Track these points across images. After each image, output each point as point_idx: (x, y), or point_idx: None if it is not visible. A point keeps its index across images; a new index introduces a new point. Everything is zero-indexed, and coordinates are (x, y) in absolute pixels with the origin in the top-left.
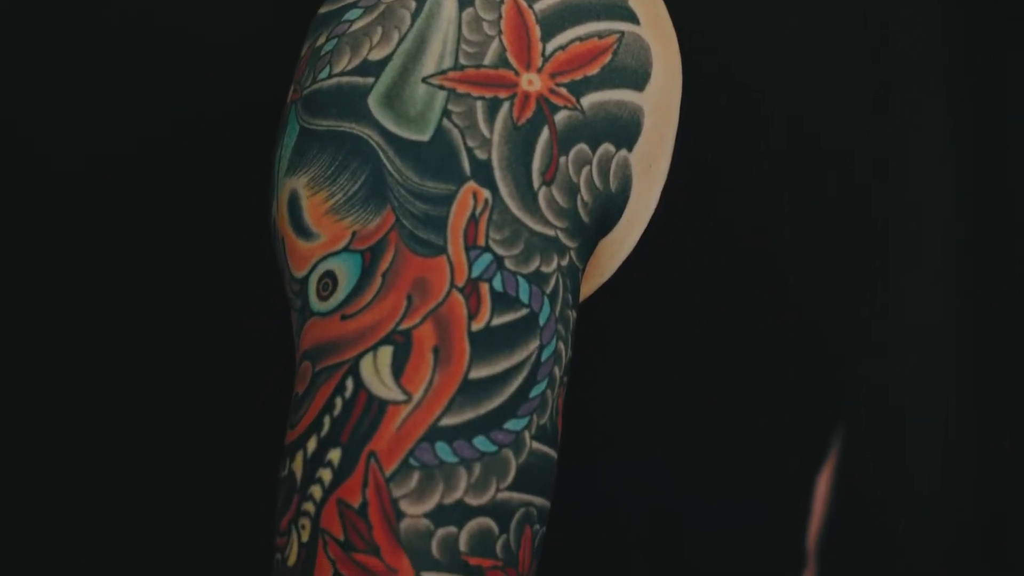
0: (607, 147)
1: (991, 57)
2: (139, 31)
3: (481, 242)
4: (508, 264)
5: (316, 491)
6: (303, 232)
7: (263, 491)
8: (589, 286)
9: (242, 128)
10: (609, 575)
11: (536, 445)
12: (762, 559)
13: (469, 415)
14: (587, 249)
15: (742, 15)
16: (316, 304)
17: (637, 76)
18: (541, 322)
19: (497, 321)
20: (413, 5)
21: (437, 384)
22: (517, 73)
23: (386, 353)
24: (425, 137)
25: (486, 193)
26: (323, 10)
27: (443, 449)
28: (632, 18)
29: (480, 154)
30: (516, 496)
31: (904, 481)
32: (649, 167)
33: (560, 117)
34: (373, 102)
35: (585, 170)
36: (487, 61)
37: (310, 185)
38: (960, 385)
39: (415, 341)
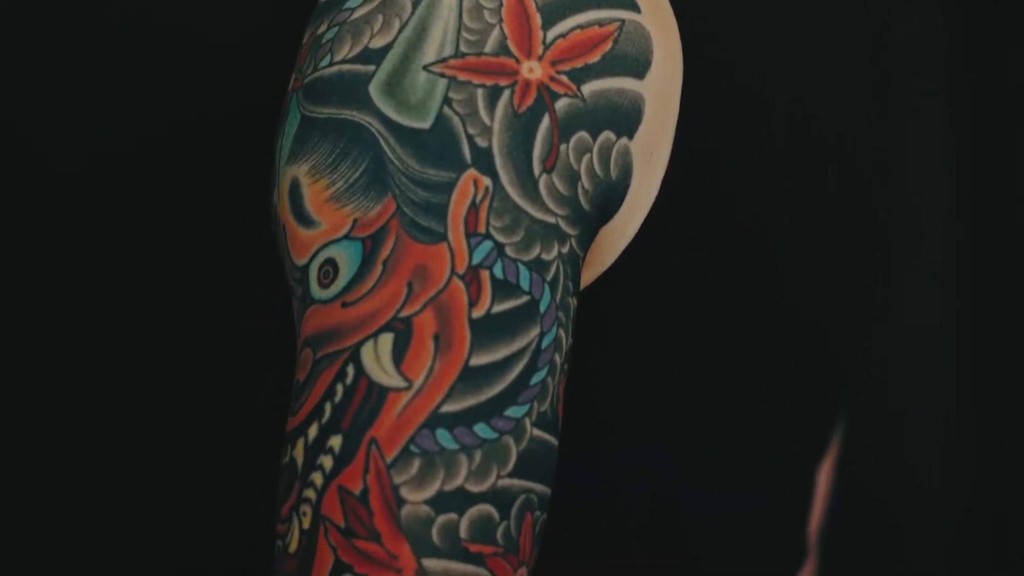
0: (608, 135)
1: (992, 47)
2: (139, 31)
3: (482, 229)
4: (509, 251)
5: (317, 478)
6: (304, 220)
7: (263, 491)
8: (590, 274)
9: (242, 128)
10: (610, 562)
11: (537, 432)
12: (762, 547)
13: (470, 402)
14: (588, 237)
15: (743, 4)
16: (317, 292)
17: (638, 64)
18: (542, 309)
19: (498, 308)
20: None
21: (438, 371)
22: (518, 61)
23: (387, 340)
24: (426, 125)
25: (487, 180)
26: None
27: (444, 436)
28: (633, 6)
29: (481, 142)
30: (517, 483)
31: (904, 471)
32: (650, 155)
33: (561, 105)
34: (374, 90)
35: (586, 158)
36: (488, 49)
37: (311, 173)
38: (961, 374)
39: (416, 328)
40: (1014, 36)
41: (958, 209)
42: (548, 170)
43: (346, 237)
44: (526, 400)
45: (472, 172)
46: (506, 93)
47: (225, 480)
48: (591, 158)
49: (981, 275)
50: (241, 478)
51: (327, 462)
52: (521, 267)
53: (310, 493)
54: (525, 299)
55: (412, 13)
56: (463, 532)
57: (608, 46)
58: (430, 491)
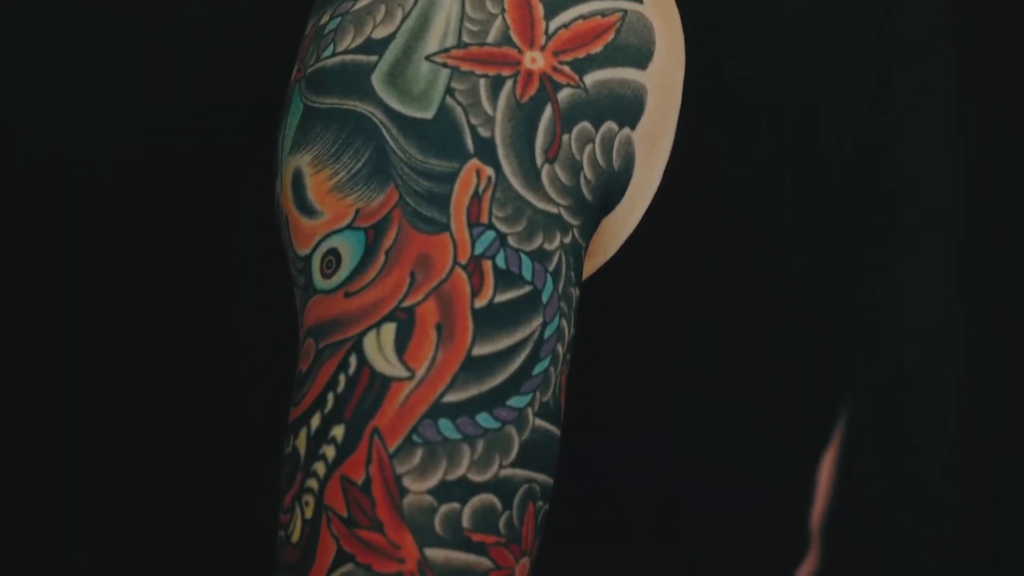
0: (610, 125)
1: (995, 38)
2: (139, 30)
3: (484, 219)
4: (511, 241)
5: (320, 468)
6: (307, 210)
7: (263, 491)
8: (592, 264)
9: (243, 127)
10: (612, 552)
11: (539, 422)
12: (764, 540)
13: (472, 392)
14: (590, 227)
15: None
16: (320, 282)
17: (640, 54)
18: (544, 299)
19: (500, 298)
20: None
21: (440, 361)
22: (520, 51)
23: (389, 330)
24: (428, 115)
25: (489, 171)
26: None
27: (446, 426)
28: None
29: (483, 132)
30: (519, 473)
31: (906, 465)
32: (652, 145)
33: (563, 95)
34: (377, 80)
35: (588, 148)
36: (490, 39)
37: (314, 163)
38: (962, 372)
39: (418, 318)
40: (1016, 28)
41: (961, 204)
42: (550, 160)
43: (349, 227)
44: (528, 390)
45: (474, 162)
46: (508, 83)
47: (225, 480)
48: (593, 148)
49: (984, 271)
50: (241, 478)
51: (330, 452)
52: (523, 257)
53: (312, 483)
54: (527, 289)
55: (415, 3)
56: (465, 522)
57: (610, 36)
58: (432, 481)
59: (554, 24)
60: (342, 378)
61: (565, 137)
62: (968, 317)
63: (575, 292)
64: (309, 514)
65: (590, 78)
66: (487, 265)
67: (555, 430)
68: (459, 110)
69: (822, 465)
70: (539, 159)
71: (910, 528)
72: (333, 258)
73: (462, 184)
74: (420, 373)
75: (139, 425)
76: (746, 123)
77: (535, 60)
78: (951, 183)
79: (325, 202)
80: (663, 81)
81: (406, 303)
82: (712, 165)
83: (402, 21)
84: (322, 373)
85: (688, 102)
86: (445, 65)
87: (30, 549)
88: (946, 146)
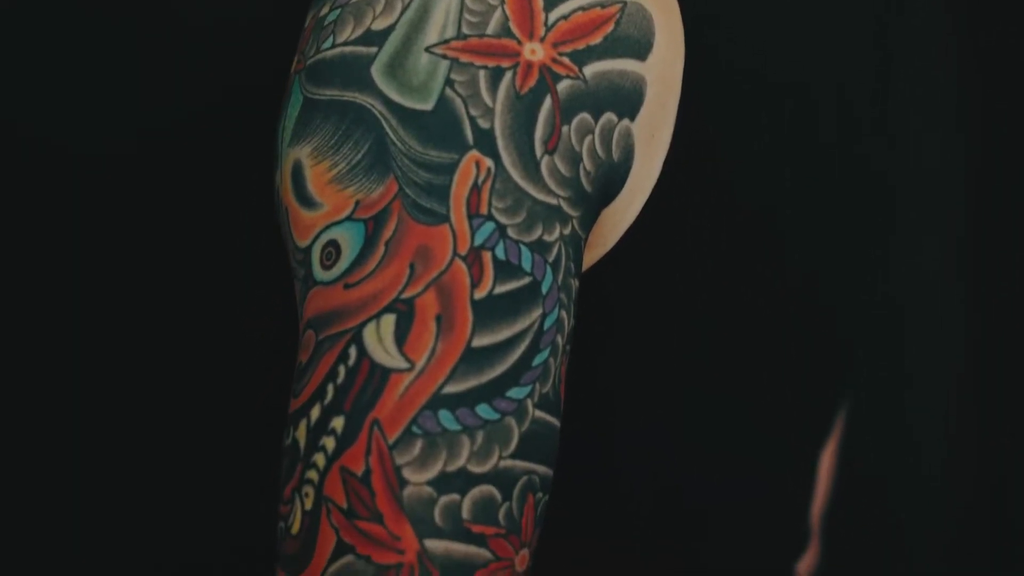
0: (609, 116)
1: (996, 29)
2: (139, 30)
3: (484, 211)
4: (511, 232)
5: (319, 459)
6: (306, 202)
7: (263, 491)
8: (592, 255)
9: (242, 128)
10: (612, 543)
11: (539, 413)
12: (765, 531)
13: (472, 383)
14: (590, 218)
15: None
16: (319, 273)
17: (639, 46)
18: (544, 290)
19: (500, 289)
20: None
21: (440, 352)
22: (520, 42)
23: (389, 321)
24: (428, 106)
25: (489, 162)
26: None
27: (446, 417)
28: None
29: (483, 123)
30: (519, 464)
31: (906, 462)
32: (651, 136)
33: (563, 86)
34: (376, 72)
35: (587, 139)
36: (490, 30)
37: (313, 155)
38: (964, 365)
39: (418, 309)
40: (1017, 19)
41: (962, 199)
42: (550, 151)
43: (348, 219)
44: (528, 381)
45: (474, 153)
46: (508, 75)
47: (225, 480)
48: (593, 139)
49: (984, 266)
50: (241, 478)
51: (329, 443)
52: (523, 248)
53: (312, 474)
54: (527, 280)
55: None
56: (465, 513)
57: (610, 28)
58: (432, 472)
59: (553, 15)
60: (342, 369)
61: (564, 128)
62: (968, 313)
63: (575, 283)
64: (309, 505)
65: (589, 69)
66: (487, 256)
67: (555, 421)
68: (459, 101)
69: (822, 458)
70: (539, 150)
71: (910, 526)
72: (333, 249)
73: (461, 175)
74: (420, 364)
75: (139, 425)
76: (745, 115)
77: (535, 51)
78: (951, 177)
79: (325, 194)
80: (662, 73)
81: (406, 294)
82: (711, 156)
83: (401, 12)
84: (322, 364)
85: (688, 94)
86: (445, 56)
87: (30, 549)
88: (946, 140)
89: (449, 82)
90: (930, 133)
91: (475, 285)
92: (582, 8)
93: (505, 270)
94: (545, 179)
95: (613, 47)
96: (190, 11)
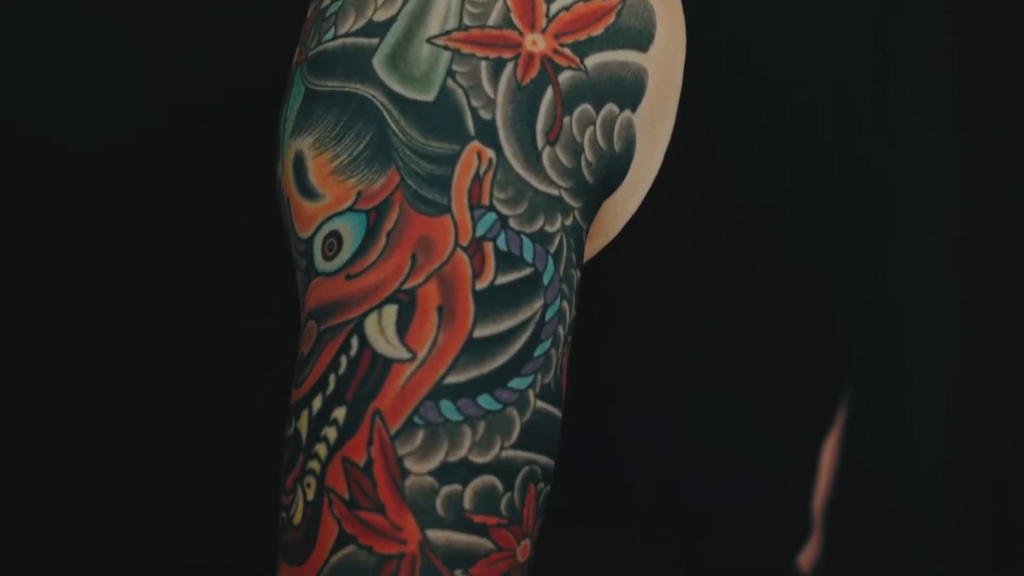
0: (611, 107)
1: (996, 28)
2: (139, 30)
3: (485, 201)
4: (512, 223)
5: (321, 449)
6: (308, 193)
7: (263, 491)
8: (593, 246)
9: (242, 127)
10: (613, 534)
11: (540, 404)
12: (766, 523)
13: (473, 373)
14: (591, 209)
15: None
16: (321, 264)
17: (641, 37)
18: (545, 281)
19: (501, 280)
20: None
21: (442, 343)
22: (521, 34)
23: (391, 312)
24: (430, 97)
25: (490, 153)
26: None
27: (448, 407)
28: None
29: (484, 114)
30: (520, 454)
31: (906, 462)
32: (653, 128)
33: (564, 77)
34: (378, 63)
35: (589, 130)
36: (491, 22)
37: (315, 146)
38: (964, 365)
39: (420, 300)
40: (1017, 19)
41: (962, 199)
42: (551, 142)
43: (350, 209)
44: (530, 372)
45: (476, 144)
46: (509, 66)
47: (225, 480)
48: (594, 130)
49: (984, 266)
50: (241, 478)
51: (331, 434)
52: (525, 239)
53: (314, 465)
54: (528, 271)
55: None
56: (467, 503)
57: (611, 19)
58: (434, 462)
59: (555, 6)
60: (344, 360)
61: (566, 119)
62: (968, 313)
63: (576, 274)
64: (311, 496)
65: (591, 60)
66: (488, 247)
67: (556, 412)
68: (460, 92)
69: (823, 452)
70: (540, 141)
71: (910, 526)
72: (334, 240)
73: (463, 166)
74: (421, 355)
75: (139, 425)
76: (746, 106)
77: (536, 42)
78: (951, 177)
79: (326, 185)
80: (664, 64)
81: (407, 285)
82: (712, 148)
83: (403, 4)
84: (324, 355)
85: (688, 93)
86: (446, 48)
87: (30, 549)
88: (946, 140)
89: (451, 73)
90: (930, 133)
91: (477, 276)
92: None
93: (507, 261)
94: (547, 170)
95: (615, 38)
96: (190, 11)
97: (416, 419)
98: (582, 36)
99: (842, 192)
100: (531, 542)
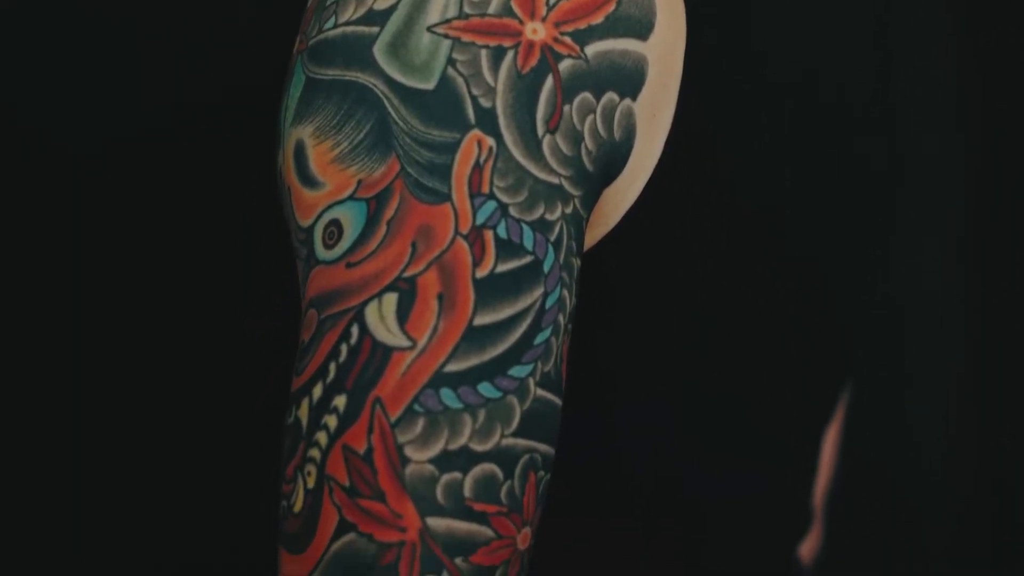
0: (611, 96)
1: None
2: (139, 30)
3: (485, 190)
4: (512, 211)
5: (322, 437)
6: (309, 181)
7: (263, 491)
8: (593, 235)
9: (242, 127)
10: (613, 522)
11: (540, 392)
12: (766, 511)
13: (474, 361)
14: (591, 197)
15: None
16: (322, 252)
17: (641, 25)
18: (545, 269)
19: (501, 268)
20: None
21: (442, 331)
22: (521, 22)
23: (391, 300)
24: (430, 85)
25: (490, 141)
26: None
27: (448, 395)
28: None
29: (484, 102)
30: (521, 442)
31: (906, 461)
32: (653, 116)
33: (564, 66)
34: (378, 51)
35: (589, 118)
36: (491, 10)
37: (316, 134)
38: (964, 364)
39: (420, 288)
40: (1017, 18)
41: (963, 198)
42: (552, 131)
43: (351, 198)
44: (530, 360)
45: (476, 132)
46: (510, 54)
47: (225, 480)
48: (595, 119)
49: (984, 265)
50: (241, 478)
51: (332, 422)
52: (525, 227)
53: (315, 453)
54: (529, 259)
55: None
56: (467, 491)
57: (611, 7)
58: (434, 450)
59: None
60: (344, 348)
61: (566, 108)
62: (968, 313)
63: (576, 262)
64: (311, 484)
65: (591, 49)
66: (488, 235)
67: (556, 400)
68: (460, 81)
69: (824, 444)
70: (540, 129)
71: (910, 524)
72: (335, 229)
73: (463, 154)
74: (422, 343)
75: (139, 425)
76: (746, 96)
77: (536, 31)
78: (951, 177)
79: (327, 173)
80: (664, 53)
81: (408, 273)
82: (712, 136)
83: None
84: (324, 343)
85: (689, 93)
86: (446, 36)
87: (30, 549)
88: (946, 140)
89: (451, 61)
90: (930, 133)
91: (477, 264)
92: None
93: (507, 249)
94: (547, 158)
95: (615, 27)
96: (190, 11)
97: (416, 407)
98: (582, 24)
99: (842, 192)
100: (531, 530)
